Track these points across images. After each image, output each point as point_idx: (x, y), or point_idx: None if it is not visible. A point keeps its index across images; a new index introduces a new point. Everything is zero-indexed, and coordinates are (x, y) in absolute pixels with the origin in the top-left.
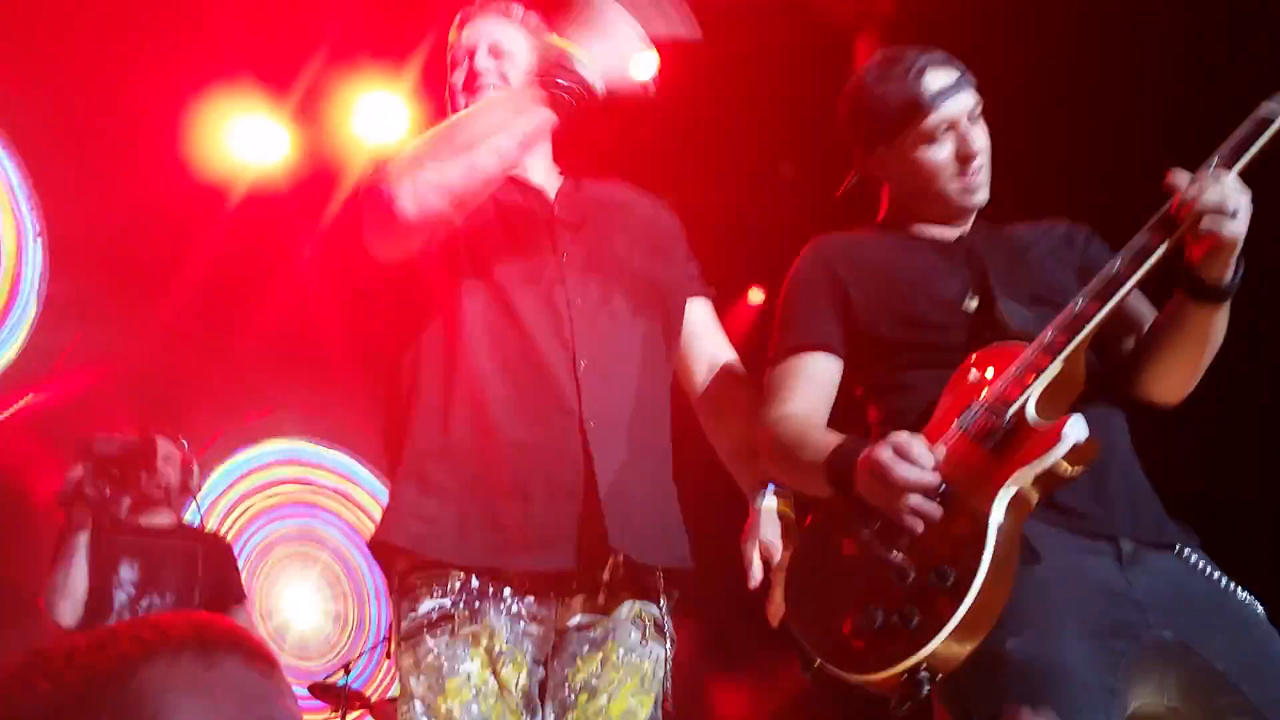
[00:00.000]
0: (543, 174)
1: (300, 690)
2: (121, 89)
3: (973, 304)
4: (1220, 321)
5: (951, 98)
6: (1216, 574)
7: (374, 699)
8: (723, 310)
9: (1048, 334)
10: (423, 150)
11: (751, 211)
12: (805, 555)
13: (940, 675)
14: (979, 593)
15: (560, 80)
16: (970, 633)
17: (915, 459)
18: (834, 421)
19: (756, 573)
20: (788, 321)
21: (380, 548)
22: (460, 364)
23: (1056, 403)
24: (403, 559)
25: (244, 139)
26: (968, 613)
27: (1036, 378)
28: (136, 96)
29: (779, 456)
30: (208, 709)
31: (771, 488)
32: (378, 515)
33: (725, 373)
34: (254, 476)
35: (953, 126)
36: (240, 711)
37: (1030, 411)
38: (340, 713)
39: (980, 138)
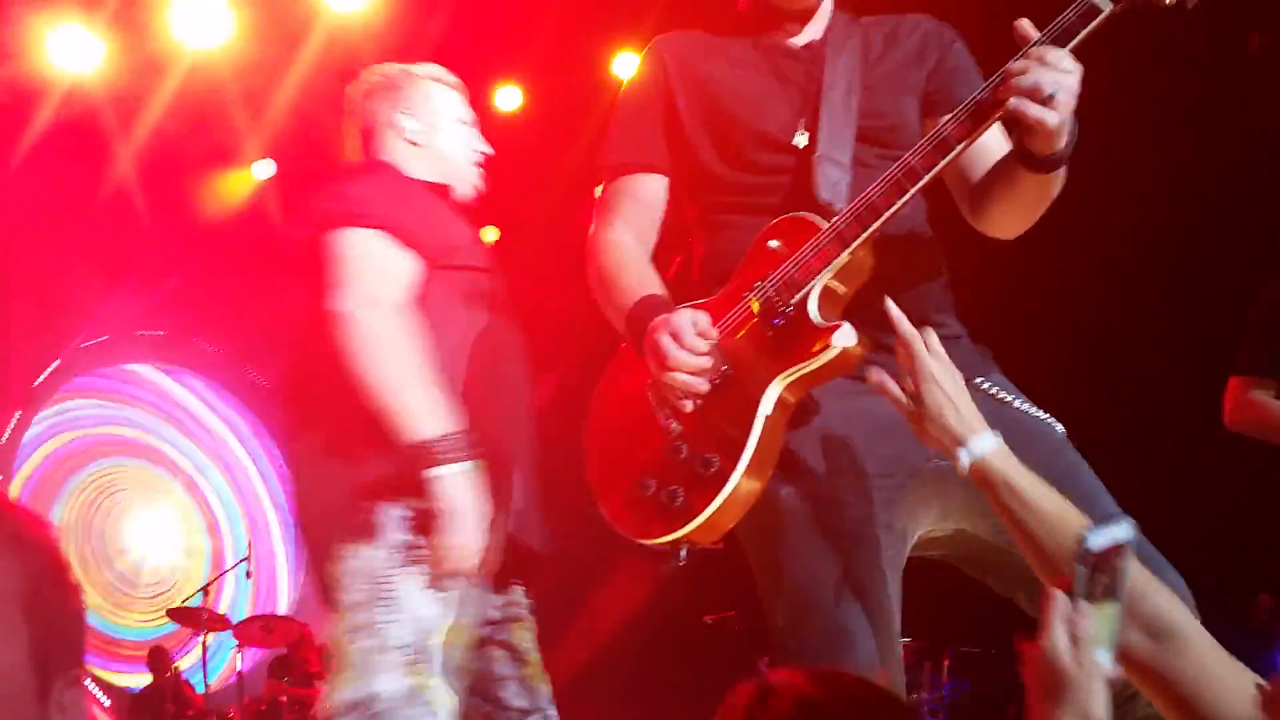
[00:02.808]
0: None
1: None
2: None
3: (803, 139)
4: (1055, 181)
5: None
6: (1011, 397)
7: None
8: None
9: (842, 220)
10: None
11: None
12: (607, 400)
13: (698, 546)
14: (737, 483)
15: None
16: (727, 514)
17: (689, 345)
18: None
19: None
20: (619, 134)
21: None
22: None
23: (846, 284)
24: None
25: (58, 47)
26: (724, 502)
27: (824, 267)
28: None
29: (598, 285)
30: None
31: None
32: (233, 445)
33: None
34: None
35: None
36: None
37: (812, 303)
38: (202, 635)
39: None
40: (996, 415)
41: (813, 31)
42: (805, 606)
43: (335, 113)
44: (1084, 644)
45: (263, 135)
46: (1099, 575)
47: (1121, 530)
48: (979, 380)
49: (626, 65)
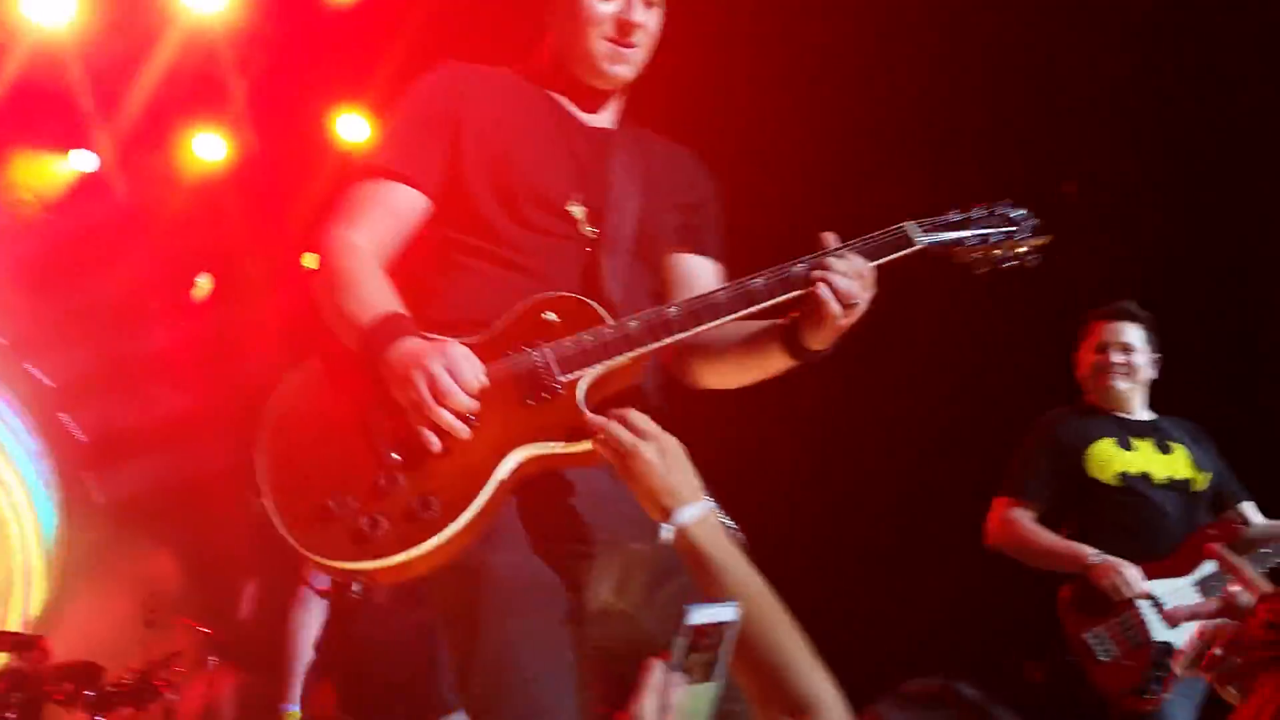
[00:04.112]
0: None
1: None
2: None
3: (578, 210)
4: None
5: None
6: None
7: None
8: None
9: (635, 323)
10: None
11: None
12: (302, 402)
13: (375, 584)
14: (450, 536)
15: None
16: (426, 562)
17: (466, 384)
18: None
19: None
20: (390, 137)
21: None
22: None
23: (611, 383)
24: None
25: None
26: (431, 549)
27: (603, 359)
28: None
29: (328, 286)
30: None
31: None
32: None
33: None
34: None
35: None
36: None
37: (581, 388)
38: None
39: (648, 19)
40: None
41: (605, 118)
42: (501, 681)
43: (185, 111)
44: (669, 714)
45: (101, 127)
46: (698, 651)
47: (725, 611)
48: None
49: (349, 126)
